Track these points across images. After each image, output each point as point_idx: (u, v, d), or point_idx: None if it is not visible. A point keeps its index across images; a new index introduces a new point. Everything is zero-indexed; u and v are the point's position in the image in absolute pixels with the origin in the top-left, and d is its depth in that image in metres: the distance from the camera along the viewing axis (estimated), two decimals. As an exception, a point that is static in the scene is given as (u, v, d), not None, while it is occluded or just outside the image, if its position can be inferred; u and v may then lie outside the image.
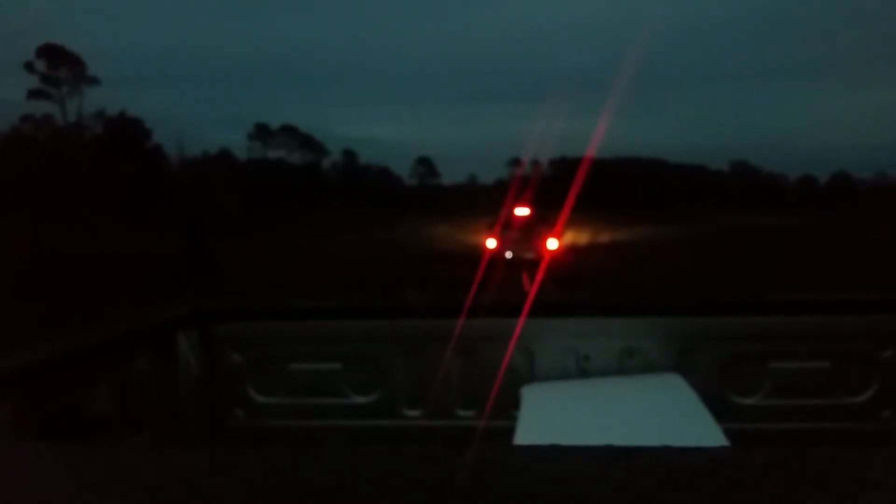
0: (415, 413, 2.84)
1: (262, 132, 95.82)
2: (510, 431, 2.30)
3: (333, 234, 34.87)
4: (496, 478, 0.86)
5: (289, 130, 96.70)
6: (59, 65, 62.69)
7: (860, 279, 15.30)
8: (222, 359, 2.86)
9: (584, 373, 2.77)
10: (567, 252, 25.28)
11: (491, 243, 22.98)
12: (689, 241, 30.66)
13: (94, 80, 65.45)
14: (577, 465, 0.89)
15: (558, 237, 23.85)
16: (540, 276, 18.21)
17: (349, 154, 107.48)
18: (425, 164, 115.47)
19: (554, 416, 2.43)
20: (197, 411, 2.78)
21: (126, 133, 49.97)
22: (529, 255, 21.70)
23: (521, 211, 24.59)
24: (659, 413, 2.36)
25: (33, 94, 61.49)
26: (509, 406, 2.76)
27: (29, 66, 61.59)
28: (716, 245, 27.12)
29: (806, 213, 65.80)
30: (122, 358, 2.43)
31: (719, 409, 2.32)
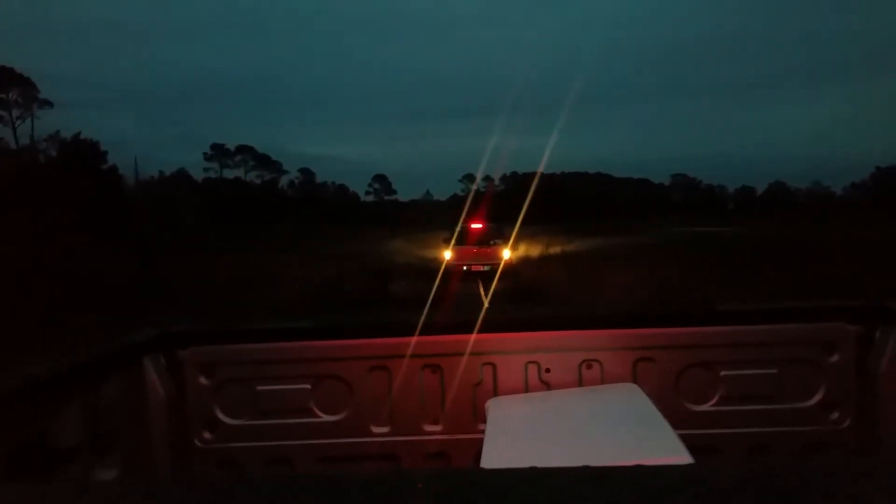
0: (383, 430, 2.87)
1: (218, 152, 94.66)
2: (477, 444, 2.36)
3: (291, 249, 34.49)
4: (478, 501, 0.89)
5: (245, 150, 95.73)
6: (8, 87, 60.93)
7: (801, 283, 15.77)
8: (189, 382, 2.84)
9: (545, 385, 2.84)
10: (520, 263, 25.82)
11: (447, 255, 23.47)
12: (634, 249, 31.29)
13: (46, 103, 63.73)
14: (554, 485, 0.91)
15: (511, 249, 24.50)
16: (494, 285, 18.55)
17: (306, 172, 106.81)
18: (381, 181, 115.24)
19: (519, 429, 2.50)
20: (165, 435, 2.74)
21: (81, 155, 48.75)
22: (484, 267, 22.33)
23: (476, 224, 25.11)
24: (618, 421, 2.45)
25: (-20, 116, 59.57)
26: (475, 420, 2.83)
27: (-25, 89, 59.72)
28: (660, 254, 27.79)
29: (746, 221, 68.06)
30: (88, 384, 2.39)
31: (674, 416, 2.41)
